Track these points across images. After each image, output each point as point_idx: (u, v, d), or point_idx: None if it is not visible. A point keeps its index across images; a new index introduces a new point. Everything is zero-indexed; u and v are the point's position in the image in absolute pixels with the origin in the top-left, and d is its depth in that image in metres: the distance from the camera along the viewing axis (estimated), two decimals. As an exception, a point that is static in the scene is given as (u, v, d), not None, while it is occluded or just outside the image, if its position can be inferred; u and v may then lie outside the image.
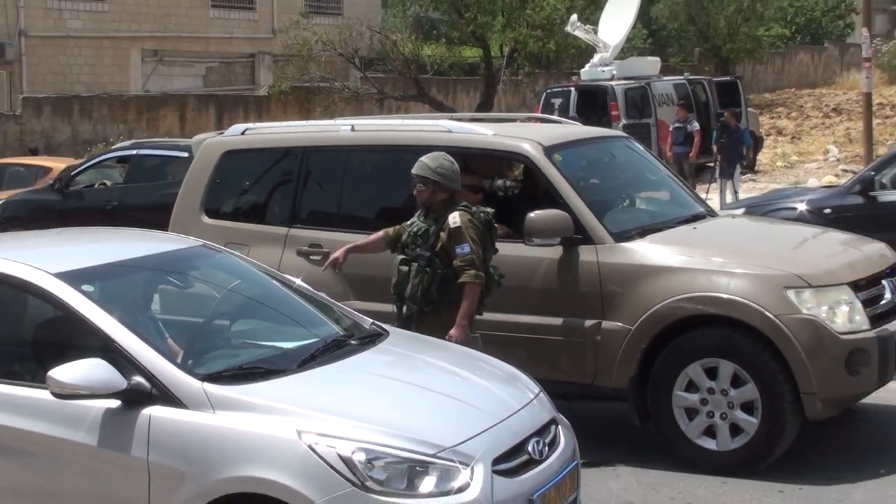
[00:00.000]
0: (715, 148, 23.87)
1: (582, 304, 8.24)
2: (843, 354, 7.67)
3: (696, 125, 23.89)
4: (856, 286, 7.98)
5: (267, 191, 9.91)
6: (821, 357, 7.63)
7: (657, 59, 29.66)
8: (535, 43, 35.80)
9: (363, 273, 8.64)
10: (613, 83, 25.60)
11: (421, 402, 5.83)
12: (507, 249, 8.23)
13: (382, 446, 5.25)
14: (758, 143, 30.49)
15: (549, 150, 8.66)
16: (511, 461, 5.56)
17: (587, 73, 27.29)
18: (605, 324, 8.14)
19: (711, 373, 7.90)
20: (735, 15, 43.52)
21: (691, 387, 7.97)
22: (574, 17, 29.70)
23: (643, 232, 8.51)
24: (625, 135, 11.54)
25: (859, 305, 7.88)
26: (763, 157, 30.74)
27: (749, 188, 25.07)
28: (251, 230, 9.48)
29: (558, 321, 8.28)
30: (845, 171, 27.81)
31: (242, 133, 9.93)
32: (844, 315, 7.80)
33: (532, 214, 8.13)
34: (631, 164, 9.95)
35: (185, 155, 17.21)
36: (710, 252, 8.31)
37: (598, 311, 8.18)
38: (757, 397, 7.76)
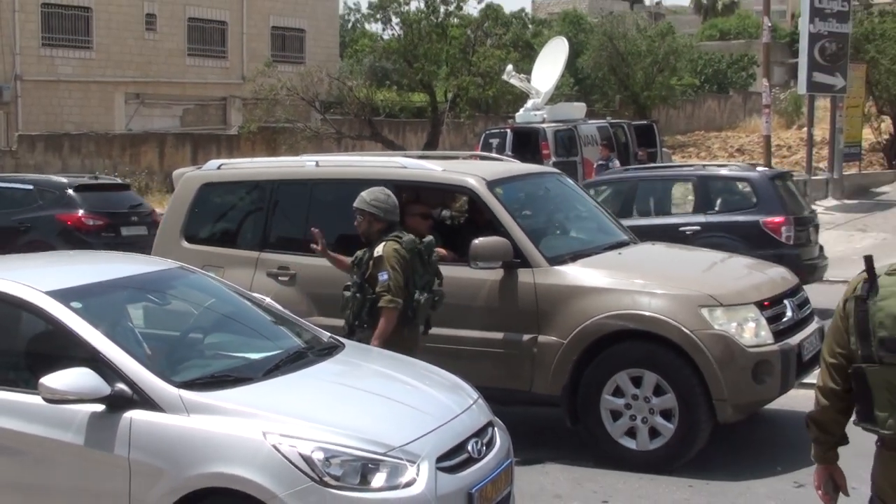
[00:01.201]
0: None
1: (520, 321, 8.25)
2: (750, 365, 7.75)
3: (616, 163, 23.97)
4: (761, 305, 8.06)
5: (240, 219, 9.88)
6: (731, 368, 7.69)
7: (583, 104, 29.76)
8: (476, 90, 35.98)
9: (325, 292, 8.64)
10: (544, 125, 25.63)
11: (372, 406, 5.83)
12: (455, 272, 8.21)
13: (339, 446, 5.26)
14: (671, 179, 30.70)
15: (491, 185, 8.69)
16: (453, 459, 5.57)
17: (521, 116, 27.36)
18: (541, 338, 8.16)
19: (635, 381, 7.95)
20: (651, 66, 43.87)
21: (617, 393, 8.00)
22: (510, 66, 29.82)
23: (574, 256, 8.54)
24: (557, 171, 11.57)
25: (764, 322, 7.96)
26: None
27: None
28: (226, 254, 9.43)
29: (500, 335, 8.30)
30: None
31: (218, 168, 9.91)
32: (751, 330, 7.88)
33: (476, 241, 8.14)
34: (563, 196, 9.98)
35: (30, 188, 18.88)
36: (634, 275, 8.37)
37: (534, 327, 8.19)
38: (675, 404, 7.82)
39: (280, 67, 37.91)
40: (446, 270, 7.99)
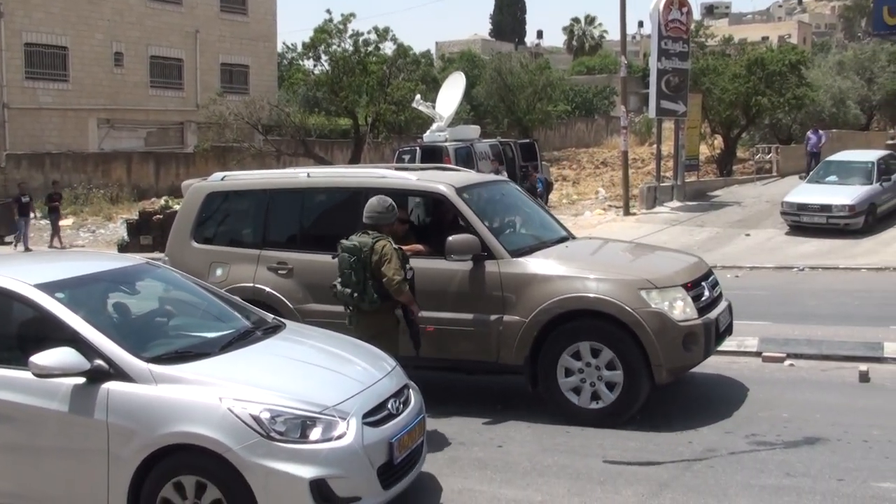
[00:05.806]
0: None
1: (488, 303, 8.12)
2: (680, 336, 7.73)
3: (505, 174, 24.19)
4: (686, 287, 8.03)
5: (242, 222, 9.53)
6: (665, 338, 7.67)
7: (477, 126, 29.88)
8: (391, 115, 35.95)
9: (318, 282, 8.44)
10: (447, 144, 25.68)
11: (309, 373, 5.83)
12: (431, 264, 8.12)
13: (282, 406, 5.26)
14: (549, 187, 31.01)
15: (459, 190, 8.55)
16: (376, 416, 5.61)
17: (428, 136, 27.38)
18: (506, 317, 8.05)
19: (586, 351, 7.88)
20: (532, 96, 44.27)
21: (570, 362, 7.93)
22: (418, 96, 29.87)
23: (530, 250, 8.46)
24: (507, 179, 11.28)
25: (690, 301, 7.93)
26: (553, 197, 31.24)
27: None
28: (231, 252, 9.18)
29: (471, 316, 8.16)
30: (610, 205, 28.54)
31: (222, 179, 9.63)
32: (680, 308, 7.84)
33: (451, 238, 8.01)
34: (514, 200, 9.75)
35: None
36: (582, 264, 8.27)
37: (500, 308, 8.08)
38: (619, 369, 7.78)
39: (228, 97, 37.47)
40: (424, 263, 7.83)
